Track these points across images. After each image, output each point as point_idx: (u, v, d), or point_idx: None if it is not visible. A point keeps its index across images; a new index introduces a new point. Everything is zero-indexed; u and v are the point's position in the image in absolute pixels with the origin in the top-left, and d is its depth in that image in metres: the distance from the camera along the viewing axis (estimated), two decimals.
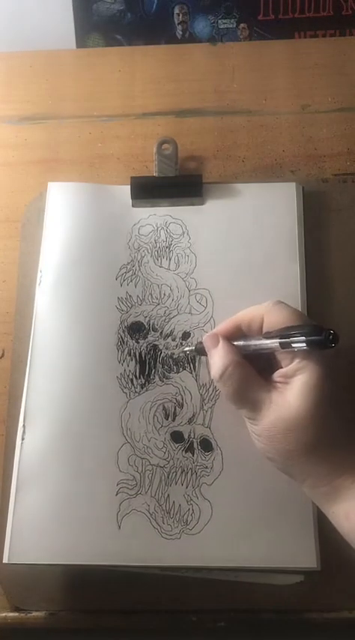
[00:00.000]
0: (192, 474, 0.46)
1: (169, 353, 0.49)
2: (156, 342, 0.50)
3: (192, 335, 0.50)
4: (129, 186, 0.54)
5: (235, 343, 0.44)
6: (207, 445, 0.47)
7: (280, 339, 0.40)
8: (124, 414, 0.48)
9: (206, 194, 0.54)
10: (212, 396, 0.48)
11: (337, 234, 0.54)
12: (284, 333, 0.41)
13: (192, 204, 0.53)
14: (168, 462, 0.47)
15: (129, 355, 0.49)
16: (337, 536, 0.40)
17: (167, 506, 0.46)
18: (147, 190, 0.54)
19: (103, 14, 0.66)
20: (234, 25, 0.66)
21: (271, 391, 0.41)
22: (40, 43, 0.63)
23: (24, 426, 0.47)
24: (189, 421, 0.48)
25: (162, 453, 0.47)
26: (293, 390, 0.40)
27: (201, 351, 0.46)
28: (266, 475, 0.44)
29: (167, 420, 0.48)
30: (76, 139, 0.59)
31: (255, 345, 0.43)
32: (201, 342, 0.46)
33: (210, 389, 0.48)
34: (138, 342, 0.50)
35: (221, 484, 0.46)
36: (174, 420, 0.48)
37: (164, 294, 0.51)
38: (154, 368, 0.49)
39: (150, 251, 0.52)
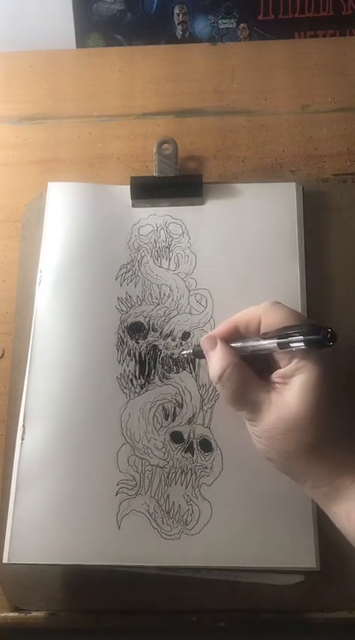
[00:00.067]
0: (191, 475, 0.46)
1: (169, 353, 0.49)
2: (155, 343, 0.50)
3: (191, 335, 0.50)
4: (129, 186, 0.54)
5: (233, 345, 0.44)
6: (206, 445, 0.47)
7: (278, 339, 0.40)
8: (124, 415, 0.48)
9: (206, 194, 0.54)
10: (212, 397, 0.48)
11: (337, 234, 0.54)
12: (281, 333, 0.40)
13: (192, 205, 0.53)
14: (168, 462, 0.47)
15: (129, 355, 0.49)
16: (337, 536, 0.40)
17: (167, 507, 0.46)
18: (147, 190, 0.54)
19: (103, 14, 0.66)
20: (234, 25, 0.66)
21: (270, 392, 0.41)
22: (40, 43, 0.63)
23: (24, 426, 0.47)
24: (189, 421, 0.48)
25: (161, 453, 0.47)
26: (293, 390, 0.40)
27: (198, 353, 0.46)
28: (266, 475, 0.44)
29: (167, 420, 0.48)
30: (76, 139, 0.59)
31: (253, 346, 0.43)
32: (198, 345, 0.46)
33: (210, 389, 0.48)
34: (137, 343, 0.50)
35: (220, 484, 0.46)
36: (173, 420, 0.48)
37: (164, 294, 0.51)
38: (154, 368, 0.49)
39: (150, 251, 0.52)
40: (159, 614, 0.46)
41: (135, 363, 0.49)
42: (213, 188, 0.54)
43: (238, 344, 0.44)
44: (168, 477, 0.47)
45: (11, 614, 0.47)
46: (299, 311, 0.49)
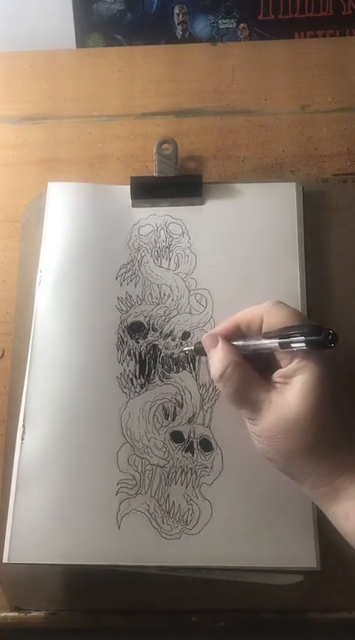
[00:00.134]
0: (191, 474, 0.46)
1: (169, 353, 0.49)
2: (155, 342, 0.50)
3: (191, 335, 0.50)
4: (129, 186, 0.54)
5: (234, 343, 0.44)
6: (206, 445, 0.47)
7: (279, 339, 0.40)
8: (124, 414, 0.48)
9: (206, 194, 0.54)
10: (212, 396, 0.48)
11: (337, 234, 0.54)
12: (283, 333, 0.40)
13: (192, 204, 0.53)
14: (168, 461, 0.47)
15: (129, 355, 0.49)
16: (337, 537, 0.40)
17: (167, 506, 0.46)
18: (147, 190, 0.54)
19: (103, 14, 0.66)
20: (234, 25, 0.66)
21: (271, 391, 0.41)
22: (40, 43, 0.63)
23: (24, 426, 0.47)
24: (189, 421, 0.48)
25: (161, 452, 0.47)
26: (293, 390, 0.40)
27: (200, 351, 0.46)
28: (267, 475, 0.44)
29: (167, 419, 0.48)
30: (76, 139, 0.59)
31: (255, 345, 0.43)
32: (199, 343, 0.46)
33: (210, 389, 0.48)
34: (137, 342, 0.50)
35: (221, 484, 0.46)
36: (173, 419, 0.48)
37: (164, 294, 0.51)
38: (154, 368, 0.49)
39: (150, 251, 0.52)
40: (159, 614, 0.46)
41: (135, 363, 0.49)
42: (213, 188, 0.54)
43: (239, 342, 0.44)
44: (168, 477, 0.47)
45: (11, 614, 0.46)
46: (299, 311, 0.48)
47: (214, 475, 0.46)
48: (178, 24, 0.66)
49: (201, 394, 0.48)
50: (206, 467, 0.47)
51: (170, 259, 0.52)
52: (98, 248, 0.52)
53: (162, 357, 0.49)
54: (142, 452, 0.47)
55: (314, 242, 0.53)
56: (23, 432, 0.47)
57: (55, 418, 0.48)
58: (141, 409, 0.48)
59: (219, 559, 0.45)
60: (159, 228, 0.53)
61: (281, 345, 0.40)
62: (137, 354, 0.49)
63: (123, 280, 0.51)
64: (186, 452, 0.47)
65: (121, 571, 0.46)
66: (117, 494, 0.46)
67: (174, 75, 0.62)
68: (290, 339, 0.40)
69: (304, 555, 0.44)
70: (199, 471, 0.46)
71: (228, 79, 0.61)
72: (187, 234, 0.53)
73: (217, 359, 0.43)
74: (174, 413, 0.48)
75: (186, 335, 0.50)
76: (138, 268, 0.52)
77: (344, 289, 0.52)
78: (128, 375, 0.49)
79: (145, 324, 0.50)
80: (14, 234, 0.56)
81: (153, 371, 0.49)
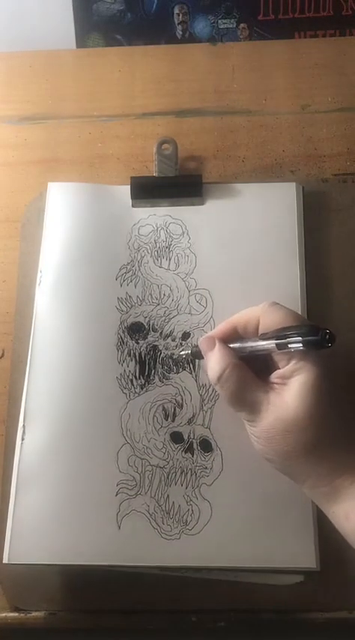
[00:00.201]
0: (191, 475, 0.46)
1: (169, 353, 0.49)
2: (155, 343, 0.50)
3: (191, 335, 0.50)
4: (129, 187, 0.54)
5: (231, 345, 0.44)
6: (206, 446, 0.47)
7: (276, 340, 0.40)
8: (124, 415, 0.48)
9: (206, 194, 0.54)
10: (212, 397, 0.48)
11: (337, 234, 0.54)
12: (280, 333, 0.41)
13: (192, 205, 0.53)
14: (168, 462, 0.47)
15: (129, 356, 0.49)
16: (337, 537, 0.40)
17: (167, 507, 0.46)
18: (147, 190, 0.54)
19: (103, 14, 0.66)
20: (234, 25, 0.66)
21: (269, 392, 0.41)
22: (40, 43, 0.63)
23: (24, 426, 0.47)
24: (189, 422, 0.48)
25: (161, 453, 0.47)
26: (291, 390, 0.40)
27: (197, 354, 0.46)
28: (266, 475, 0.44)
29: (167, 420, 0.48)
30: (76, 139, 0.59)
31: (252, 346, 0.43)
32: (196, 346, 0.46)
33: (210, 389, 0.48)
34: (138, 343, 0.50)
35: (220, 484, 0.46)
36: (173, 420, 0.48)
37: (164, 295, 0.51)
38: (154, 368, 0.49)
39: (150, 251, 0.52)
40: (159, 614, 0.46)
41: (135, 364, 0.49)
42: (213, 188, 0.54)
43: (237, 344, 0.44)
44: (168, 477, 0.47)
45: (11, 614, 0.47)
46: (299, 311, 0.49)
47: (214, 476, 0.46)
48: (178, 24, 0.66)
49: (200, 395, 0.48)
50: (206, 467, 0.47)
51: (170, 259, 0.52)
52: (98, 248, 0.52)
53: (162, 358, 0.49)
54: (142, 452, 0.47)
55: (314, 242, 0.53)
56: (23, 432, 0.47)
57: (55, 418, 0.48)
58: (141, 410, 0.48)
59: (218, 559, 0.45)
60: (159, 229, 0.53)
61: (279, 346, 0.40)
62: (137, 354, 0.49)
63: (123, 281, 0.51)
64: (185, 452, 0.47)
65: (121, 571, 0.46)
66: (117, 494, 0.46)
67: (174, 75, 0.62)
68: (287, 339, 0.40)
69: (304, 555, 0.44)
70: (199, 471, 0.47)
71: (228, 79, 0.61)
72: (187, 234, 0.53)
73: (214, 361, 0.43)
74: (174, 413, 0.48)
75: (186, 335, 0.50)
76: (138, 268, 0.52)
77: (344, 289, 0.52)
78: (128, 376, 0.49)
79: (145, 324, 0.50)
80: (14, 234, 0.56)
81: (153, 371, 0.49)
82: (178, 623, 0.46)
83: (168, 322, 0.50)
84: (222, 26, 0.66)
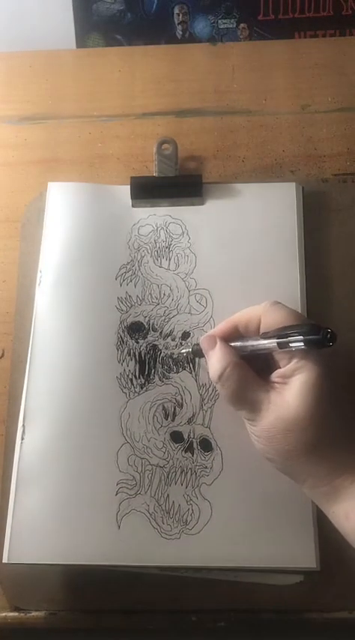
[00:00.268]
0: (191, 474, 0.46)
1: (169, 353, 0.49)
2: (155, 342, 0.50)
3: (191, 335, 0.50)
4: (129, 186, 0.54)
5: (232, 344, 0.44)
6: (206, 445, 0.47)
7: (277, 339, 0.40)
8: (124, 414, 0.48)
9: (206, 194, 0.54)
10: (212, 396, 0.48)
11: (337, 234, 0.54)
12: (281, 333, 0.41)
13: (192, 205, 0.53)
14: (168, 462, 0.47)
15: (129, 355, 0.49)
16: (337, 537, 0.40)
17: (167, 506, 0.46)
18: (147, 190, 0.54)
19: (103, 14, 0.66)
20: (234, 25, 0.66)
21: (270, 391, 0.41)
22: (40, 43, 0.63)
23: (24, 426, 0.47)
24: (189, 421, 0.48)
25: (161, 453, 0.47)
26: (292, 390, 0.40)
27: (198, 352, 0.46)
28: (266, 475, 0.44)
29: (166, 420, 0.48)
30: (76, 139, 0.59)
31: (253, 345, 0.43)
32: (197, 344, 0.46)
33: (210, 389, 0.48)
34: (137, 342, 0.50)
35: (220, 484, 0.46)
36: (173, 420, 0.48)
37: (164, 294, 0.51)
38: (154, 368, 0.49)
39: (149, 251, 0.52)
40: (159, 614, 0.46)
41: (135, 363, 0.49)
42: (213, 188, 0.54)
43: (238, 343, 0.44)
44: (168, 477, 0.47)
45: (11, 614, 0.47)
46: (299, 311, 0.49)
47: (214, 475, 0.46)
48: (178, 24, 0.66)
49: (200, 394, 0.48)
50: (206, 467, 0.47)
51: (170, 259, 0.52)
52: (98, 248, 0.52)
53: (162, 357, 0.49)
54: (142, 452, 0.47)
55: (314, 242, 0.53)
56: (23, 432, 0.47)
57: (55, 418, 0.48)
58: (141, 409, 0.48)
59: (218, 559, 0.45)
60: (159, 228, 0.53)
61: (280, 345, 0.40)
62: (137, 354, 0.49)
63: (123, 280, 0.51)
64: (185, 452, 0.47)
65: (121, 571, 0.46)
66: (117, 494, 0.46)
67: (174, 75, 0.62)
68: (289, 338, 0.40)
69: (304, 555, 0.44)
70: (199, 471, 0.46)
71: (228, 79, 0.61)
72: (187, 234, 0.53)
73: (215, 360, 0.43)
74: (174, 413, 0.48)
75: (185, 335, 0.50)
76: (138, 268, 0.52)
77: (344, 289, 0.52)
78: (128, 375, 0.49)
79: (145, 324, 0.50)
80: (14, 234, 0.56)
81: (153, 371, 0.49)
82: (178, 623, 0.46)
83: (168, 322, 0.50)
84: (222, 26, 0.66)
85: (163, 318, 0.50)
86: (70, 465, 0.46)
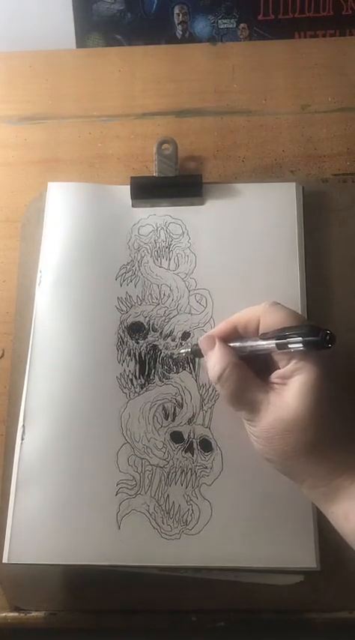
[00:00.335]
0: (191, 474, 0.46)
1: (169, 353, 0.49)
2: (155, 342, 0.50)
3: (191, 335, 0.50)
4: (129, 186, 0.54)
5: (231, 345, 0.44)
6: (206, 445, 0.47)
7: (277, 339, 0.40)
8: (124, 414, 0.48)
9: (206, 194, 0.54)
10: (212, 397, 0.48)
11: (337, 234, 0.54)
12: (280, 333, 0.41)
13: (192, 205, 0.53)
14: (168, 462, 0.47)
15: (129, 355, 0.49)
16: (337, 537, 0.40)
17: (167, 507, 0.46)
18: (147, 190, 0.54)
19: (103, 14, 0.66)
20: (234, 25, 0.66)
21: (269, 392, 0.41)
22: (40, 43, 0.63)
23: (24, 426, 0.47)
24: (189, 421, 0.48)
25: (161, 453, 0.47)
26: (291, 390, 0.40)
27: (197, 353, 0.46)
28: (266, 475, 0.44)
29: (167, 420, 0.48)
30: (76, 139, 0.59)
31: (252, 346, 0.43)
32: (196, 345, 0.46)
33: (210, 389, 0.48)
34: (137, 342, 0.50)
35: (220, 484, 0.46)
36: (173, 420, 0.48)
37: (164, 294, 0.51)
38: (154, 368, 0.49)
39: (149, 251, 0.52)
40: (159, 614, 0.46)
41: (135, 363, 0.49)
42: (213, 188, 0.54)
43: (237, 344, 0.44)
44: (168, 477, 0.47)
45: (11, 614, 0.47)
46: (299, 311, 0.49)
47: (214, 475, 0.46)
48: (178, 24, 0.66)
49: (200, 394, 0.48)
50: (206, 467, 0.47)
51: (170, 259, 0.52)
52: (98, 248, 0.52)
53: (162, 358, 0.49)
54: (142, 452, 0.47)
55: (314, 242, 0.53)
56: (23, 432, 0.47)
57: (55, 418, 0.48)
58: (141, 409, 0.48)
59: (218, 559, 0.45)
60: (159, 228, 0.53)
61: (279, 346, 0.40)
62: (137, 354, 0.49)
63: (123, 280, 0.51)
64: (185, 452, 0.47)
65: (121, 571, 0.46)
66: (117, 494, 0.46)
67: (174, 75, 0.62)
68: (288, 339, 0.40)
69: (304, 555, 0.44)
70: (199, 471, 0.47)
71: (228, 79, 0.61)
72: (187, 234, 0.53)
73: (215, 361, 0.43)
74: (174, 413, 0.48)
75: (186, 335, 0.50)
76: (138, 268, 0.52)
77: (344, 290, 0.52)
78: (128, 376, 0.49)
79: (145, 324, 0.50)
80: (14, 234, 0.56)
81: (153, 371, 0.49)
82: (178, 623, 0.46)
83: (168, 322, 0.50)
84: (222, 26, 0.66)
85: (163, 318, 0.50)
86: (70, 465, 0.46)
